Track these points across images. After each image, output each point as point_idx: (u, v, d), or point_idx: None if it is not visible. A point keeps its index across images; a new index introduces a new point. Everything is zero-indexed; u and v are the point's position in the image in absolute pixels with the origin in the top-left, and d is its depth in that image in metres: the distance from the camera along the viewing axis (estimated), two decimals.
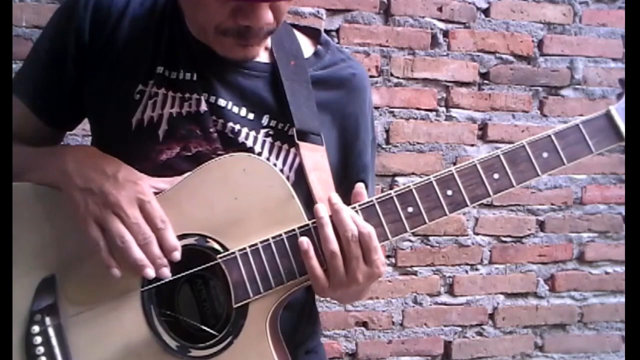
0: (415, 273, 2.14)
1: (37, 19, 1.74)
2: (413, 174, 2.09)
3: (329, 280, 0.87)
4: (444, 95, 2.11)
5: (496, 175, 0.88)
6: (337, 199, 0.88)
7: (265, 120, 0.98)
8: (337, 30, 1.99)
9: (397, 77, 2.05)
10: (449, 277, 2.18)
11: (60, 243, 0.92)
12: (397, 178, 2.08)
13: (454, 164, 2.12)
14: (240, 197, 0.90)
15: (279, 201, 0.90)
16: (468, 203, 0.88)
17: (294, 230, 0.89)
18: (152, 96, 0.96)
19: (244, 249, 0.89)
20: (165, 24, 0.99)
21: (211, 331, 0.91)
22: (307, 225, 0.89)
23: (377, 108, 2.04)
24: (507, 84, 2.16)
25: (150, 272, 0.86)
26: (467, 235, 2.17)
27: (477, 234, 2.18)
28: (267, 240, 0.89)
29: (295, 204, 0.90)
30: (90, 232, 0.86)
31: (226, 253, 0.89)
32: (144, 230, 0.86)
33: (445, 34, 2.09)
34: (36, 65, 1.03)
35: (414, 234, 2.11)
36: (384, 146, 2.06)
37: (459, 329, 2.21)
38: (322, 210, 0.87)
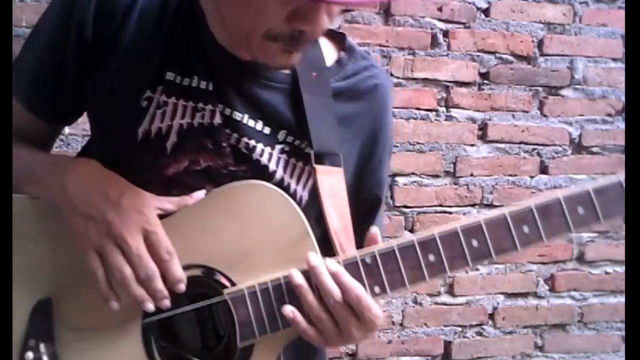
0: None
1: (37, 19, 1.74)
2: (413, 173, 2.09)
3: (324, 338, 0.82)
4: (444, 95, 2.11)
5: (525, 228, 0.82)
6: (315, 260, 0.81)
7: (281, 135, 0.91)
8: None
9: (397, 77, 2.05)
10: (449, 277, 2.17)
11: (58, 263, 0.87)
12: (396, 178, 2.08)
13: (454, 164, 2.13)
14: (251, 229, 0.84)
15: (293, 237, 0.84)
16: (493, 256, 0.82)
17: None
18: (161, 105, 0.88)
19: (253, 287, 0.83)
20: (178, 23, 0.89)
21: None
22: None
23: None
24: (507, 84, 2.16)
25: (150, 307, 0.81)
26: None
27: None
28: (278, 279, 0.82)
29: (310, 241, 0.84)
30: (89, 262, 0.81)
31: (233, 289, 0.83)
32: (146, 265, 0.80)
33: (445, 34, 2.09)
34: (31, 59, 0.96)
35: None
36: None
37: (459, 329, 2.21)
38: (298, 277, 0.81)
